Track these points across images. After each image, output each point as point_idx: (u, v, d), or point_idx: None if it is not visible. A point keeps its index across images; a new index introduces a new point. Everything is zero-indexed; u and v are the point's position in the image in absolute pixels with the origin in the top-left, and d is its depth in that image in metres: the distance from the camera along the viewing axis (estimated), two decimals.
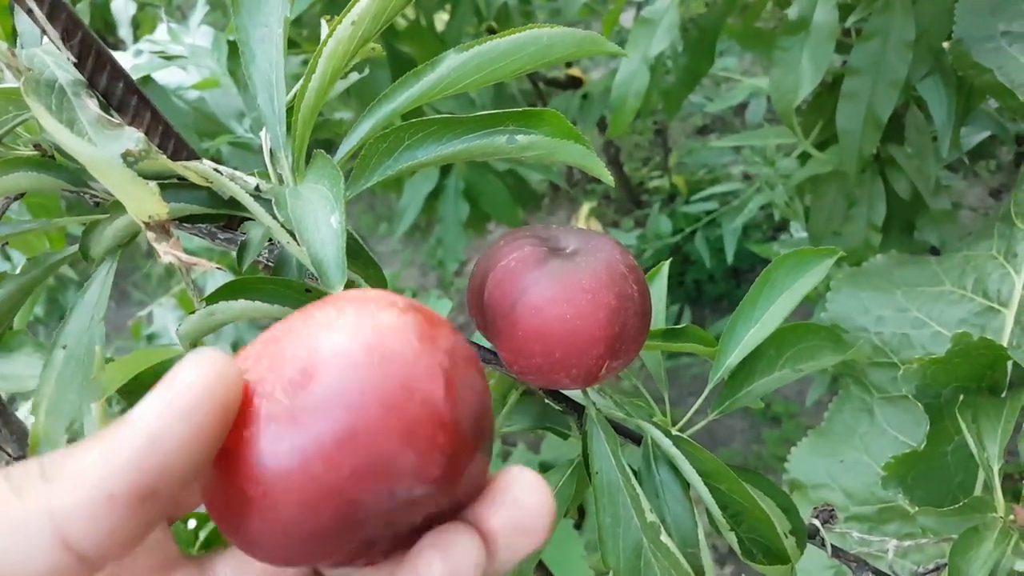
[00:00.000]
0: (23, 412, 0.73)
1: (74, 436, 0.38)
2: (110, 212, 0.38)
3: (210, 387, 0.20)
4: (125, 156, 0.34)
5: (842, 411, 0.89)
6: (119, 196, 0.31)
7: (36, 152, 0.42)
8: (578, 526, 1.21)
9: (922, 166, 1.03)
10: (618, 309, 0.35)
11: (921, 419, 0.82)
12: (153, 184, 0.31)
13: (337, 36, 0.36)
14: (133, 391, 0.85)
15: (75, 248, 0.39)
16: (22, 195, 0.43)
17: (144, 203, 0.31)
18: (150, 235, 0.32)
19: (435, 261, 2.58)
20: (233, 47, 0.84)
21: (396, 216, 1.51)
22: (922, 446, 0.63)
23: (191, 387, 0.20)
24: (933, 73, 0.96)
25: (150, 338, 1.33)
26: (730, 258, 1.78)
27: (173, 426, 0.20)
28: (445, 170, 1.43)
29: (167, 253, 0.32)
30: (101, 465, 0.19)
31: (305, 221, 0.33)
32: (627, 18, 1.97)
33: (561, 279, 0.35)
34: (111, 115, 0.37)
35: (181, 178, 0.38)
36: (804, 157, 1.19)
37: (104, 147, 0.34)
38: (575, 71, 2.21)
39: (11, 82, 0.40)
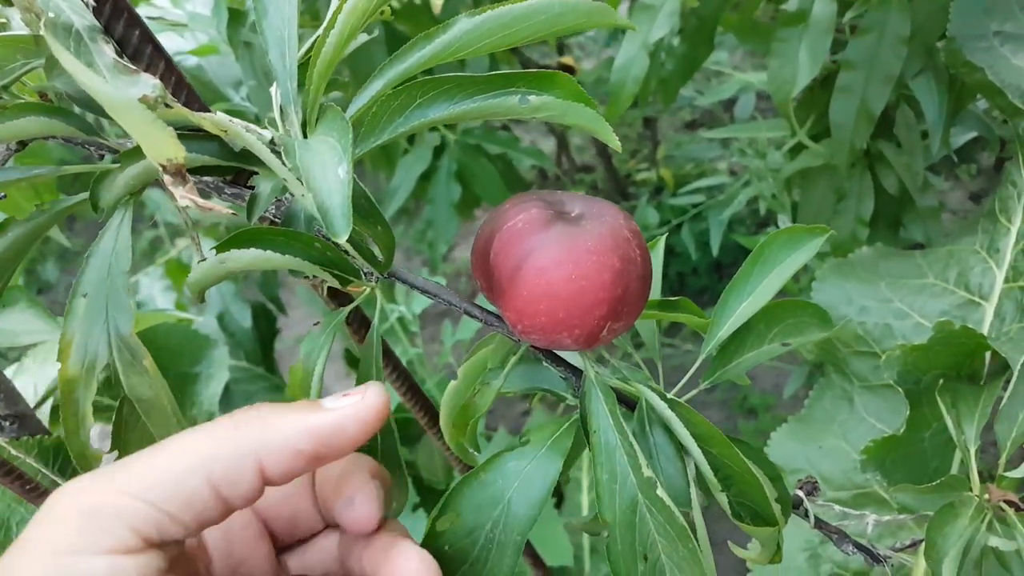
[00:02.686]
0: (10, 371, 0.73)
1: (108, 376, 0.39)
2: (122, 161, 0.38)
3: (379, 413, 0.32)
4: (142, 101, 0.34)
5: (822, 399, 0.91)
6: (136, 137, 0.31)
7: (42, 101, 0.42)
8: (557, 506, 1.22)
9: (911, 163, 1.05)
10: (622, 271, 0.35)
11: (899, 408, 0.83)
12: (170, 128, 0.32)
13: None
14: None
15: (84, 196, 0.39)
16: (24, 145, 0.44)
17: (162, 145, 0.31)
18: (167, 179, 0.32)
19: (422, 245, 2.59)
20: (233, 14, 0.84)
21: (386, 197, 1.51)
22: (901, 430, 0.65)
23: (371, 406, 0.31)
24: (926, 71, 0.98)
25: (137, 307, 1.33)
26: (715, 250, 1.80)
27: (348, 424, 0.31)
28: (438, 151, 1.43)
29: (183, 197, 0.32)
30: (303, 430, 0.30)
31: (313, 170, 0.33)
32: (622, 9, 1.97)
33: (567, 241, 0.35)
34: (127, 62, 0.37)
35: (192, 129, 0.38)
36: (794, 152, 1.21)
37: (121, 91, 0.34)
38: (567, 59, 2.21)
39: (18, 30, 0.40)
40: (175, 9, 0.94)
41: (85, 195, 0.39)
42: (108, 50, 0.36)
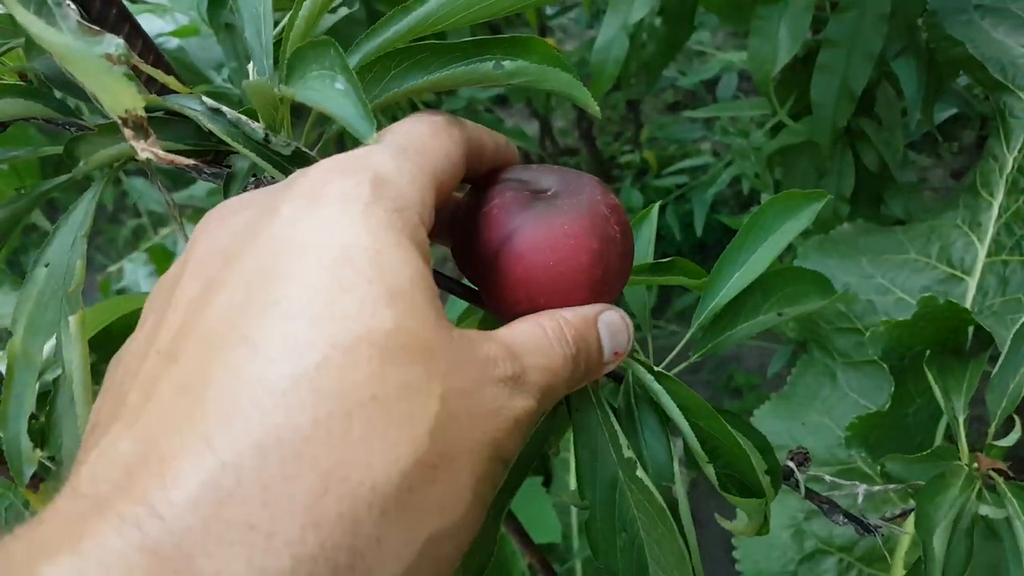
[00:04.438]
0: None
1: (50, 354, 0.37)
2: (99, 132, 0.38)
3: None
4: (105, 59, 0.33)
5: (805, 375, 0.92)
6: (93, 88, 0.31)
7: (22, 82, 0.42)
8: (545, 484, 1.23)
9: (891, 140, 1.05)
10: (600, 252, 0.35)
11: (882, 383, 0.84)
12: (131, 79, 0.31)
13: None
14: (104, 344, 0.84)
15: (65, 177, 0.38)
16: (5, 127, 0.43)
17: (121, 95, 0.31)
18: (127, 133, 0.31)
19: None
20: None
21: None
22: (886, 407, 0.65)
23: None
24: (906, 49, 0.98)
25: (120, 293, 1.32)
26: (699, 231, 1.80)
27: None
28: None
29: (145, 150, 0.31)
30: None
31: (313, 97, 0.32)
32: None
33: (543, 225, 0.35)
34: (90, 24, 0.36)
35: (169, 114, 0.38)
36: (775, 130, 1.21)
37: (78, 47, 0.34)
38: (549, 41, 2.20)
39: None
40: None
41: (66, 177, 0.38)
42: (72, 13, 0.36)
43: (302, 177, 0.28)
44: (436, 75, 0.37)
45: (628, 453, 0.36)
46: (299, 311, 0.22)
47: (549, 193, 0.37)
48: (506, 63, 0.35)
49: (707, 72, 1.84)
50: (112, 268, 1.33)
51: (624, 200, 2.10)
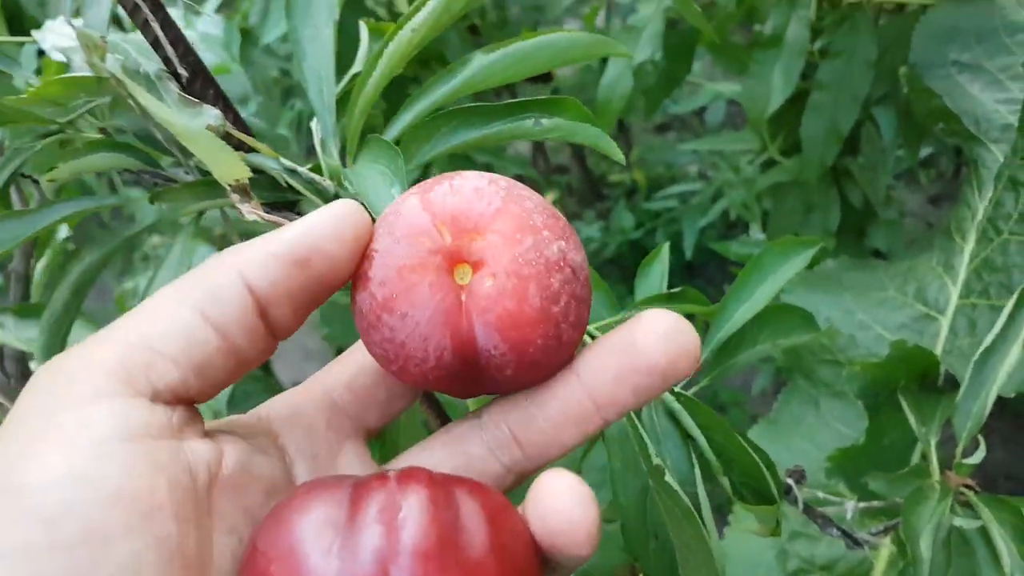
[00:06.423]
0: None
1: None
2: (185, 189, 0.42)
3: (352, 211, 0.29)
4: (208, 129, 0.38)
5: (790, 403, 0.97)
6: (207, 160, 0.36)
7: (102, 136, 0.47)
8: None
9: (874, 178, 1.12)
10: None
11: (862, 412, 0.90)
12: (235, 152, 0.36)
13: (398, 39, 0.40)
14: None
15: (152, 220, 0.43)
16: None
17: (230, 167, 0.36)
18: (234, 197, 0.37)
19: None
20: (245, 35, 0.87)
21: None
22: (861, 440, 0.70)
23: (340, 207, 0.29)
24: (887, 100, 1.05)
25: None
26: (689, 254, 1.86)
27: (324, 222, 0.29)
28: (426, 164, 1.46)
29: (250, 212, 0.37)
30: (269, 239, 0.29)
31: (368, 194, 0.37)
32: (599, 21, 2.02)
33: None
34: (189, 97, 0.41)
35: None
36: (765, 166, 1.27)
37: (190, 122, 0.39)
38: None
39: (79, 71, 0.44)
40: (188, 30, 0.97)
41: (153, 221, 0.43)
42: (173, 87, 0.41)
43: None
44: (481, 132, 0.41)
45: (656, 460, 0.38)
46: None
47: None
48: (544, 120, 0.40)
49: (697, 102, 1.91)
50: (128, 285, 1.36)
51: (616, 221, 2.15)
